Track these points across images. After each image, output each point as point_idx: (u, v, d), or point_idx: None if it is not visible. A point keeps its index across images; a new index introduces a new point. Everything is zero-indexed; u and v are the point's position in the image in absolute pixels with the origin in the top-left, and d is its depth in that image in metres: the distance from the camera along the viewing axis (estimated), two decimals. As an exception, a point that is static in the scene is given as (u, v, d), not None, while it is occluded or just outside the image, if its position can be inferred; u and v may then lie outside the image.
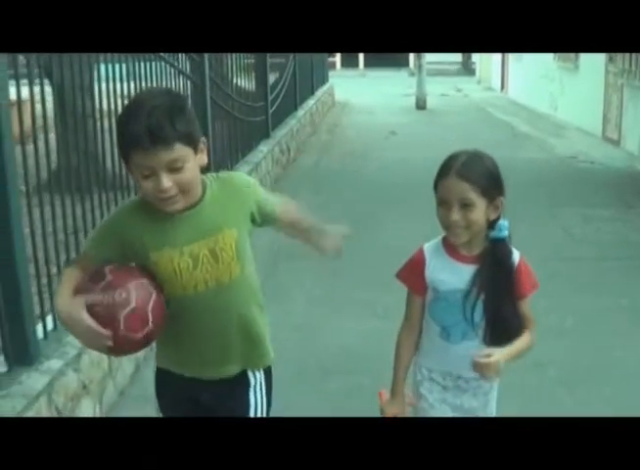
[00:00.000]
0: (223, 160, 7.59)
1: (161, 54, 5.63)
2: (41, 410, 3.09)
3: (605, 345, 4.71)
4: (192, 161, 2.18)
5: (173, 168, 2.13)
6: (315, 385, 4.21)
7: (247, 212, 2.35)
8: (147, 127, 2.08)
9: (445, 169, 2.42)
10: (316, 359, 4.53)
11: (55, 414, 3.22)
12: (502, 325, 2.47)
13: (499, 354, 2.35)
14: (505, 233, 2.49)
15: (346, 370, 4.34)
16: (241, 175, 2.48)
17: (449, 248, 2.51)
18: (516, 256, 2.52)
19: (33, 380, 3.18)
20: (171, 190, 2.15)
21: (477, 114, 18.33)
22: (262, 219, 2.41)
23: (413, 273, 2.56)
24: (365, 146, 12.99)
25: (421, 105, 19.26)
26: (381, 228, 7.44)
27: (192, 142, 2.18)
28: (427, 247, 2.57)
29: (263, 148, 9.59)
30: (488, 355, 2.34)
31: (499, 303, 2.47)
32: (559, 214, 7.97)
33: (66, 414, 3.31)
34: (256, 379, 2.47)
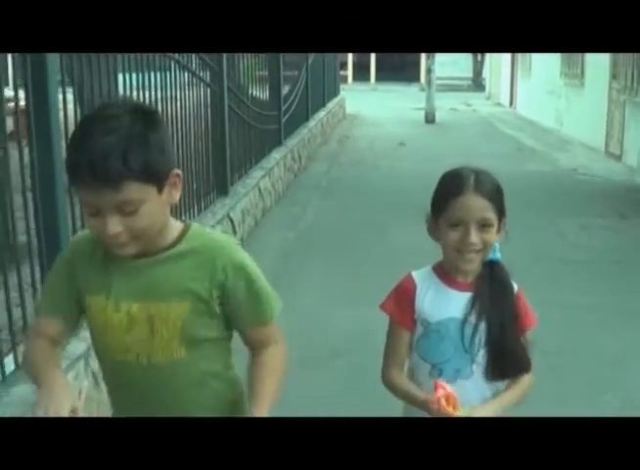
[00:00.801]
0: (238, 165, 8.03)
1: (183, 63, 6.06)
2: (80, 372, 3.52)
3: (587, 335, 5.13)
4: (152, 202, 1.74)
5: (124, 211, 1.71)
6: (325, 363, 4.64)
7: (214, 294, 1.88)
8: (89, 161, 1.66)
9: (458, 187, 2.14)
10: (326, 342, 4.95)
11: (91, 378, 3.64)
12: (506, 355, 2.19)
13: (483, 412, 2.10)
14: (498, 255, 2.24)
15: (353, 351, 4.74)
16: (238, 250, 1.94)
17: (443, 274, 2.24)
18: (514, 285, 2.27)
19: (73, 346, 3.60)
20: (120, 236, 1.74)
21: (484, 128, 18.79)
22: (226, 319, 1.94)
23: (401, 304, 2.23)
24: (375, 156, 13.45)
25: (430, 118, 19.71)
26: (387, 230, 7.86)
27: (154, 179, 1.73)
28: (416, 274, 2.27)
29: (276, 155, 10.03)
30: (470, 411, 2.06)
31: (502, 329, 2.18)
32: (556, 222, 8.36)
33: (99, 378, 3.73)
34: None
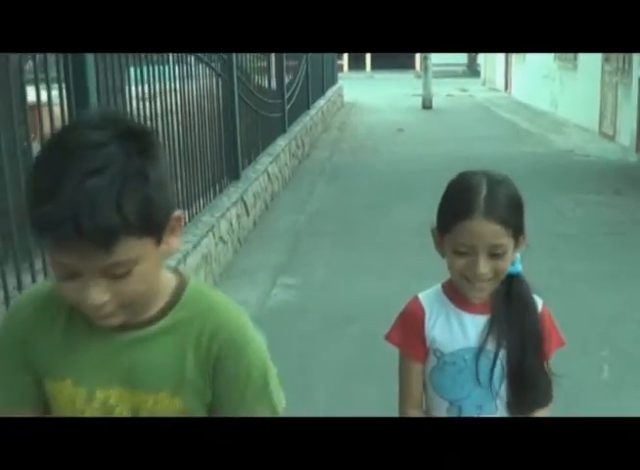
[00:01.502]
0: (248, 152, 8.37)
1: (198, 54, 6.37)
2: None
3: (583, 299, 5.54)
4: (148, 259, 1.30)
5: (114, 275, 1.27)
6: (340, 329, 5.01)
7: (210, 379, 1.41)
8: (72, 216, 1.18)
9: (466, 207, 1.78)
10: (339, 310, 5.31)
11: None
12: (527, 388, 1.90)
13: None
14: (519, 267, 1.92)
15: (365, 318, 5.11)
16: (246, 324, 1.45)
17: (454, 295, 1.92)
18: (538, 301, 1.96)
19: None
20: (105, 306, 1.29)
21: (481, 112, 19.13)
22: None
23: (409, 333, 1.93)
24: (374, 141, 13.78)
25: (427, 104, 20.01)
26: (389, 211, 8.23)
27: (153, 230, 1.29)
28: (423, 296, 1.97)
29: (281, 142, 10.36)
30: None
31: (523, 356, 1.87)
32: (553, 199, 8.71)
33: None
34: None
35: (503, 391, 1.91)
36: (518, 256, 1.91)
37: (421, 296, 1.97)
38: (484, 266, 1.79)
